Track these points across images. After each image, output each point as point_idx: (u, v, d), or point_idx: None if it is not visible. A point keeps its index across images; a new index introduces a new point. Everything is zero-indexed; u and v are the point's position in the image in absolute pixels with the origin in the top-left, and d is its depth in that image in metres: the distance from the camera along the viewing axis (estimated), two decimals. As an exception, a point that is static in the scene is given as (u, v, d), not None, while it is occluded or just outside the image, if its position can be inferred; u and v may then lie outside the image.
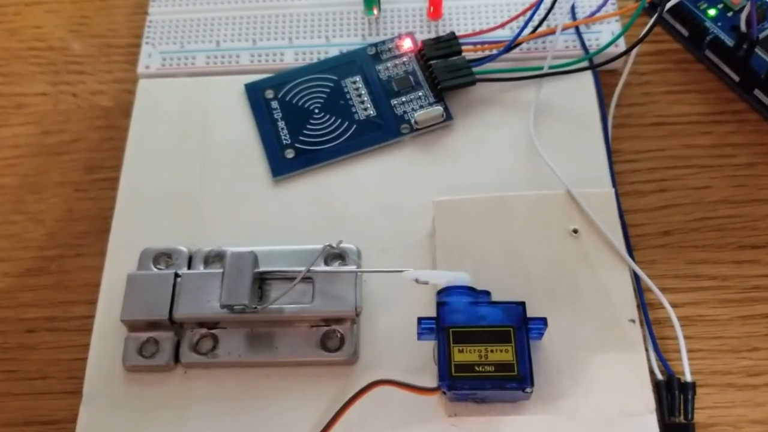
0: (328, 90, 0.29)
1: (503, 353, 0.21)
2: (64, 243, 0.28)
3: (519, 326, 0.22)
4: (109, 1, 0.34)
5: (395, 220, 0.26)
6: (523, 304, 0.22)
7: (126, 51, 0.32)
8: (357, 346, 0.24)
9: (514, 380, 0.21)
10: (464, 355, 0.21)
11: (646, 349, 0.23)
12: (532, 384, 0.21)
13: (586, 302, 0.24)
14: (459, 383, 0.21)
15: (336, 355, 0.24)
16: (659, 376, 0.23)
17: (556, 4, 0.29)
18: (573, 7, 0.30)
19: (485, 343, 0.22)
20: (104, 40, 0.33)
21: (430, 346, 0.23)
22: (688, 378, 0.23)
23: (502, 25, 0.29)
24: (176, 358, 0.24)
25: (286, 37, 0.30)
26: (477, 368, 0.21)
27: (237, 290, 0.23)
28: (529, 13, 0.29)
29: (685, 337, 0.24)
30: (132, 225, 0.27)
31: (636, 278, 0.25)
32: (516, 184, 0.26)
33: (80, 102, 0.31)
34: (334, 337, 0.24)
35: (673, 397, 0.23)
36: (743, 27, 0.27)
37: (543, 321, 0.22)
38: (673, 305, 0.24)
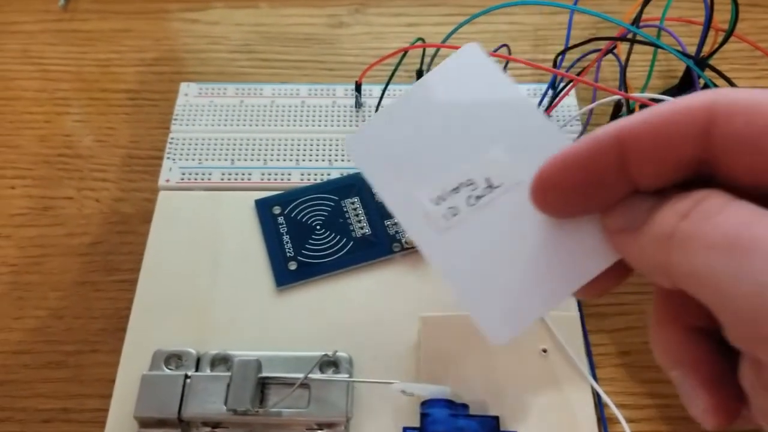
0: (329, 209, 0.32)
1: (477, 462, 0.24)
2: (82, 339, 0.30)
3: (492, 438, 0.25)
4: (133, 116, 0.37)
5: (385, 330, 0.29)
6: (496, 418, 0.25)
7: (146, 162, 0.35)
8: (347, 449, 0.26)
9: (487, 487, 0.24)
10: (443, 462, 0.24)
11: (605, 461, 0.26)
12: (501, 491, 0.24)
13: (552, 418, 0.26)
14: (438, 488, 0.24)
15: (328, 457, 0.26)
16: (616, 487, 0.26)
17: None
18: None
19: (462, 452, 0.24)
20: (127, 151, 0.36)
21: (412, 451, 0.26)
22: (641, 489, 0.26)
23: (485, 159, 0.33)
24: (182, 454, 0.26)
25: (294, 158, 0.34)
26: (454, 475, 0.24)
27: (242, 395, 0.26)
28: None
29: (639, 451, 0.27)
30: (146, 326, 0.29)
31: (597, 395, 0.28)
32: (493, 303, 0.30)
33: (102, 207, 0.34)
34: (327, 440, 0.27)
35: (627, 506, 0.26)
36: (693, 173, 0.32)
37: (513, 434, 0.25)
38: (629, 421, 0.27)
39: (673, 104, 0.17)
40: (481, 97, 0.24)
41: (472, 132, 0.23)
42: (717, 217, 0.16)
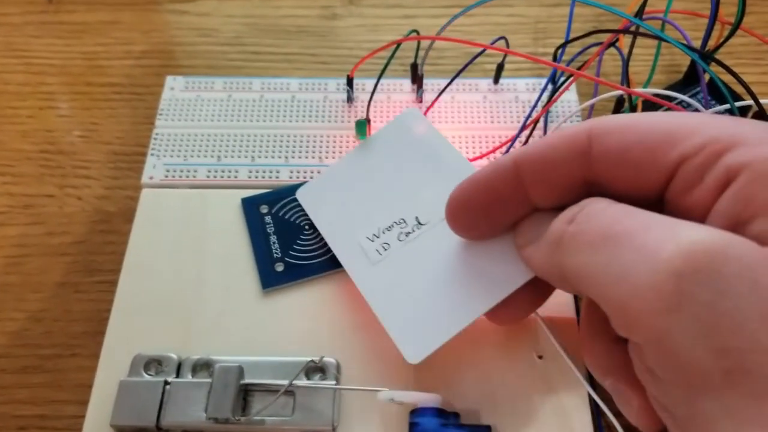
0: (318, 208, 0.31)
1: (468, 475, 0.23)
2: (61, 342, 0.29)
3: (484, 449, 0.23)
4: (117, 110, 0.36)
5: (375, 335, 0.28)
6: (489, 428, 0.24)
7: (131, 159, 0.34)
8: (333, 460, 0.25)
9: (478, 502, 0.23)
10: (432, 475, 0.23)
11: (604, 473, 0.25)
12: (493, 507, 0.23)
13: (547, 426, 0.25)
14: (426, 503, 0.23)
15: (313, 468, 0.25)
16: (614, 501, 0.25)
17: (530, 140, 0.32)
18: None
19: (452, 464, 0.23)
20: (111, 147, 0.35)
21: (401, 462, 0.25)
22: (641, 504, 0.25)
23: (481, 157, 0.32)
24: (161, 463, 0.25)
25: (283, 155, 0.33)
26: (443, 489, 0.23)
27: (222, 404, 0.25)
28: (506, 147, 0.32)
29: (639, 463, 0.25)
30: (126, 329, 0.28)
31: (594, 403, 0.26)
32: (488, 307, 0.28)
33: (85, 205, 0.33)
34: (312, 450, 0.25)
35: None
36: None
37: (506, 445, 0.24)
38: (627, 430, 0.26)
39: (559, 132, 0.20)
40: (416, 150, 0.28)
41: (406, 180, 0.27)
42: (595, 217, 0.18)
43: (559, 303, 0.28)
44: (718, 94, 0.33)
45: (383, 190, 0.28)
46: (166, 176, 0.32)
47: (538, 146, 0.20)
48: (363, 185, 0.28)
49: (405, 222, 0.26)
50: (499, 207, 0.22)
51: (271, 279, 0.29)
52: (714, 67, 0.31)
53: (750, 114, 0.32)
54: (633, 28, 0.31)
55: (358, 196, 0.28)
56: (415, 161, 0.28)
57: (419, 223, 0.26)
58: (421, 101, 0.34)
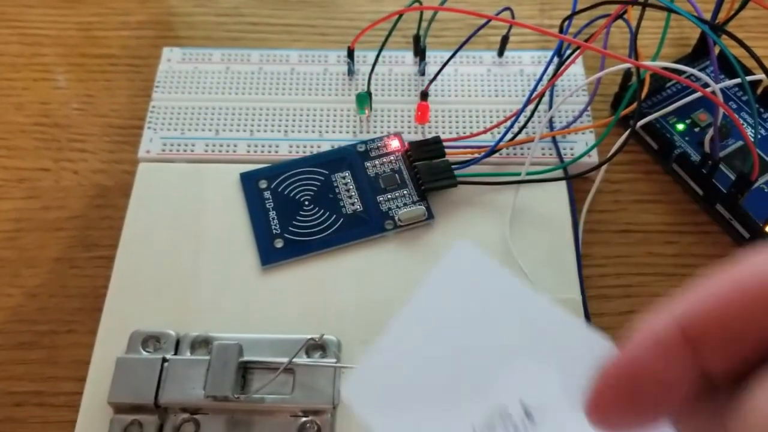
0: (318, 183, 0.30)
1: (470, 456, 0.22)
2: (57, 319, 0.29)
3: (486, 430, 0.23)
4: (114, 82, 0.35)
5: (376, 312, 0.27)
6: (491, 408, 0.23)
7: (127, 132, 0.34)
8: (333, 438, 0.25)
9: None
10: (434, 456, 0.22)
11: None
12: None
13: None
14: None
15: (312, 446, 0.25)
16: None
17: (535, 114, 0.31)
18: (551, 118, 0.32)
19: (454, 445, 0.23)
20: (107, 120, 0.34)
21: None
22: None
23: (485, 131, 0.31)
24: (159, 441, 0.25)
25: (282, 129, 0.32)
26: (445, 470, 0.22)
27: (221, 381, 0.24)
28: (510, 121, 0.31)
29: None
30: (124, 305, 0.28)
31: (599, 383, 0.26)
32: (491, 284, 0.28)
33: (81, 179, 0.32)
34: (311, 429, 0.25)
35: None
36: (707, 148, 0.30)
37: (509, 425, 0.23)
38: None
39: (727, 277, 0.14)
40: (488, 303, 0.20)
41: (485, 346, 0.19)
42: None
43: (562, 282, 0.28)
44: (728, 68, 0.32)
45: (460, 366, 0.19)
46: (163, 150, 0.32)
47: (707, 301, 0.14)
48: (430, 364, 0.20)
49: (508, 412, 0.18)
50: (667, 391, 0.15)
51: (270, 255, 0.29)
52: (724, 40, 0.30)
53: (761, 89, 0.32)
54: (641, 0, 0.30)
55: (429, 383, 0.19)
56: (496, 322, 0.20)
57: (528, 415, 0.18)
58: (423, 74, 0.34)
